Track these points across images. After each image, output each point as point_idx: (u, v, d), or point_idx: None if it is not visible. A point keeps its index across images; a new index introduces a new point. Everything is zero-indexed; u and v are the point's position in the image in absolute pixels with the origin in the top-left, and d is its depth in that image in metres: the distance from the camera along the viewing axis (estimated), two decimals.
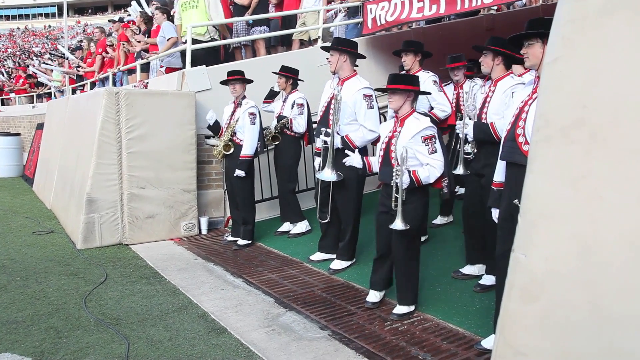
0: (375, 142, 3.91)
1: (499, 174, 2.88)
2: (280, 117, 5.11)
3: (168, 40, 6.48)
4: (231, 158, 4.96)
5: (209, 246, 5.15)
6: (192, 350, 2.90)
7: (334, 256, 4.31)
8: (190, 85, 5.62)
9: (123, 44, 8.45)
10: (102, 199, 5.10)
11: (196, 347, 2.93)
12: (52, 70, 12.88)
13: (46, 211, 7.08)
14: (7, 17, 62.68)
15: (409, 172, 3.12)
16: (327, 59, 4.15)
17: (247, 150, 4.86)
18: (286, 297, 3.71)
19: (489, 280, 3.62)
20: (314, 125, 4.66)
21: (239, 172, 4.84)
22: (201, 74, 5.69)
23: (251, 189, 5.08)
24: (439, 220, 5.10)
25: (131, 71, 8.09)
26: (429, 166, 3.14)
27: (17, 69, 18.96)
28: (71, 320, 3.31)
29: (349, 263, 4.25)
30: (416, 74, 4.44)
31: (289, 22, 7.38)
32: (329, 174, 3.94)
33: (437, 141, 3.17)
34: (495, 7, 7.86)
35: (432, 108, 4.61)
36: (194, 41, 6.04)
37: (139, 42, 7.65)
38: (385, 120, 5.03)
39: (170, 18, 6.92)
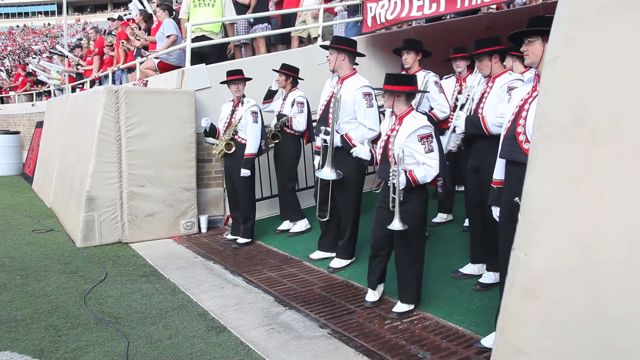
0: (375, 140, 3.91)
1: (499, 172, 2.88)
2: (280, 116, 5.10)
3: (168, 37, 6.47)
4: (232, 157, 4.95)
5: (209, 245, 5.15)
6: (191, 348, 2.90)
7: (334, 255, 4.31)
8: (190, 83, 5.62)
9: (122, 43, 8.43)
10: (102, 197, 5.09)
11: (196, 346, 2.93)
12: (51, 67, 12.85)
13: (46, 209, 7.08)
14: (7, 15, 62.60)
15: (405, 172, 3.12)
16: (327, 57, 4.15)
17: (251, 148, 4.85)
18: (286, 295, 3.71)
19: (489, 278, 3.63)
20: (314, 124, 4.66)
21: (245, 172, 4.83)
22: (201, 72, 5.69)
23: (253, 187, 5.08)
24: (439, 218, 5.10)
25: (131, 69, 8.07)
26: (425, 165, 3.14)
27: (17, 67, 18.92)
28: (71, 319, 3.31)
29: (348, 261, 4.25)
30: (415, 74, 4.46)
31: (289, 20, 7.37)
32: (328, 173, 3.94)
33: (434, 140, 3.17)
34: (495, 6, 7.85)
35: (432, 108, 4.61)
36: (205, 38, 6.06)
37: (139, 39, 7.63)
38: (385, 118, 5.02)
39: (172, 15, 6.90)
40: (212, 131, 4.97)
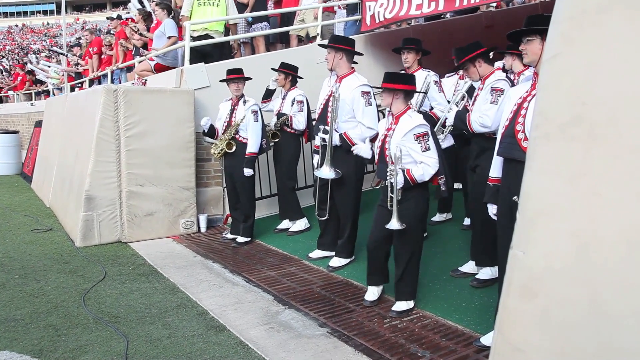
0: (373, 139, 3.91)
1: (495, 169, 2.88)
2: (279, 115, 5.10)
3: (169, 38, 6.46)
4: (233, 156, 4.95)
5: (208, 244, 5.15)
6: (191, 347, 2.90)
7: (333, 253, 4.31)
8: (189, 82, 5.61)
9: (121, 42, 8.42)
10: (101, 197, 5.09)
11: (195, 345, 2.93)
12: (49, 67, 12.84)
13: (45, 209, 7.08)
14: (5, 15, 62.52)
15: (403, 171, 3.12)
16: (326, 57, 4.15)
17: (253, 147, 4.85)
18: (285, 294, 3.71)
19: (485, 274, 3.64)
20: (314, 123, 4.65)
21: (248, 171, 4.83)
22: (200, 72, 5.68)
23: (253, 186, 5.09)
24: (438, 217, 5.10)
25: (129, 69, 8.06)
26: (423, 164, 3.13)
27: (15, 66, 18.89)
28: (70, 318, 3.31)
29: (347, 260, 4.25)
30: (414, 73, 4.46)
31: (288, 19, 7.37)
32: (327, 172, 3.94)
33: (430, 138, 3.17)
34: (494, 4, 7.85)
35: (432, 107, 4.61)
36: (209, 37, 6.08)
37: (139, 38, 7.61)
38: (384, 117, 5.02)
39: (171, 15, 6.89)
40: (211, 132, 4.96)
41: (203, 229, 5.60)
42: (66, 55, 11.18)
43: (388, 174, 3.14)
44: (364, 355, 2.80)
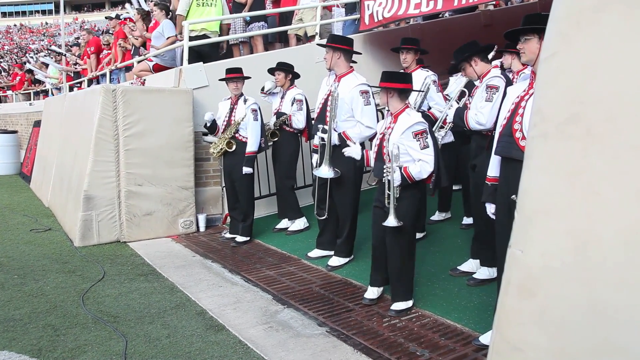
0: (372, 138, 3.91)
1: (493, 168, 2.88)
2: (279, 114, 5.10)
3: (167, 39, 6.45)
4: (232, 155, 4.95)
5: (207, 243, 5.15)
6: (190, 347, 2.90)
7: (332, 253, 4.31)
8: (188, 82, 5.61)
9: (119, 43, 8.41)
10: (100, 197, 5.09)
11: (194, 344, 2.93)
12: (47, 66, 12.81)
13: (43, 209, 7.07)
14: (4, 14, 62.36)
15: (400, 169, 3.12)
16: (324, 56, 4.15)
17: (252, 146, 4.86)
18: (284, 294, 3.71)
19: (483, 274, 3.64)
20: (313, 122, 4.65)
21: (247, 170, 4.84)
22: (198, 71, 5.68)
23: (252, 185, 5.10)
24: (437, 216, 5.10)
25: (128, 68, 8.05)
26: (420, 162, 3.14)
27: (14, 66, 18.85)
28: (69, 318, 3.31)
29: (346, 260, 4.25)
30: (413, 72, 4.46)
31: (286, 19, 7.36)
32: (326, 171, 3.94)
33: (429, 136, 3.17)
34: (492, 3, 7.85)
35: (430, 107, 4.61)
36: (206, 37, 6.07)
37: (138, 37, 7.60)
38: (383, 116, 5.02)
39: (170, 15, 6.88)
40: (212, 127, 4.96)
41: (202, 229, 5.60)
42: (65, 55, 11.16)
43: (385, 171, 3.15)
44: (363, 355, 2.80)
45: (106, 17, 12.19)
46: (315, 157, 4.19)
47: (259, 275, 4.13)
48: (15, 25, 59.83)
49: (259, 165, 5.60)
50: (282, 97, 5.16)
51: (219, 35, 6.44)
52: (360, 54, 4.66)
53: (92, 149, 5.09)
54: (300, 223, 5.27)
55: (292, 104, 5.03)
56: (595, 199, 1.43)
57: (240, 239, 5.05)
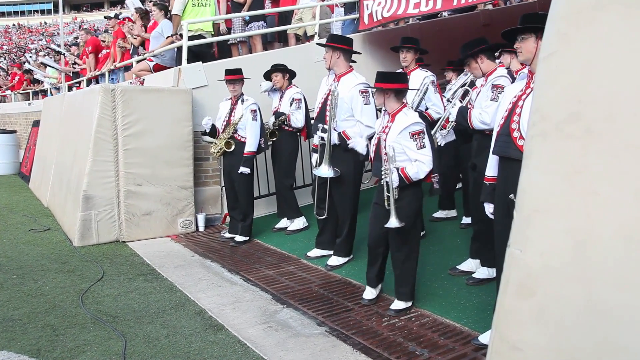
0: (372, 137, 3.91)
1: (491, 168, 2.88)
2: (278, 114, 5.10)
3: (167, 38, 6.45)
4: (232, 155, 4.94)
5: (206, 243, 5.14)
6: (189, 347, 2.90)
7: (332, 252, 4.31)
8: (187, 82, 5.61)
9: (118, 43, 8.40)
10: (99, 196, 5.09)
11: (193, 344, 2.93)
12: (46, 66, 12.80)
13: (43, 209, 7.06)
14: (2, 14, 62.32)
15: (398, 170, 3.12)
16: (324, 56, 4.15)
17: (251, 147, 4.86)
18: (283, 293, 3.71)
19: (482, 273, 3.64)
20: (312, 121, 4.65)
21: (244, 169, 4.84)
22: (197, 71, 5.68)
23: (252, 185, 5.10)
24: (439, 213, 5.09)
25: (127, 68, 8.04)
26: (417, 162, 3.14)
27: (13, 65, 18.83)
28: (68, 318, 3.31)
29: (346, 259, 4.25)
30: (412, 72, 4.46)
31: (285, 18, 7.36)
32: (325, 170, 3.94)
33: (426, 136, 3.17)
34: (491, 3, 7.85)
35: (427, 108, 4.60)
36: (201, 37, 6.07)
37: (137, 37, 7.59)
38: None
39: (168, 15, 6.88)
40: (212, 131, 4.95)
41: (201, 228, 5.60)
42: (64, 54, 11.15)
43: (383, 173, 3.15)
44: (362, 354, 2.80)
45: (105, 17, 12.19)
46: (315, 156, 4.19)
47: (258, 275, 4.13)
48: (14, 24, 59.78)
49: (258, 164, 5.60)
50: (281, 97, 5.16)
51: (212, 35, 6.45)
52: (360, 53, 4.65)
53: (91, 148, 5.09)
54: (300, 222, 5.27)
55: (291, 103, 5.03)
56: (595, 198, 1.43)
57: (239, 238, 5.05)
